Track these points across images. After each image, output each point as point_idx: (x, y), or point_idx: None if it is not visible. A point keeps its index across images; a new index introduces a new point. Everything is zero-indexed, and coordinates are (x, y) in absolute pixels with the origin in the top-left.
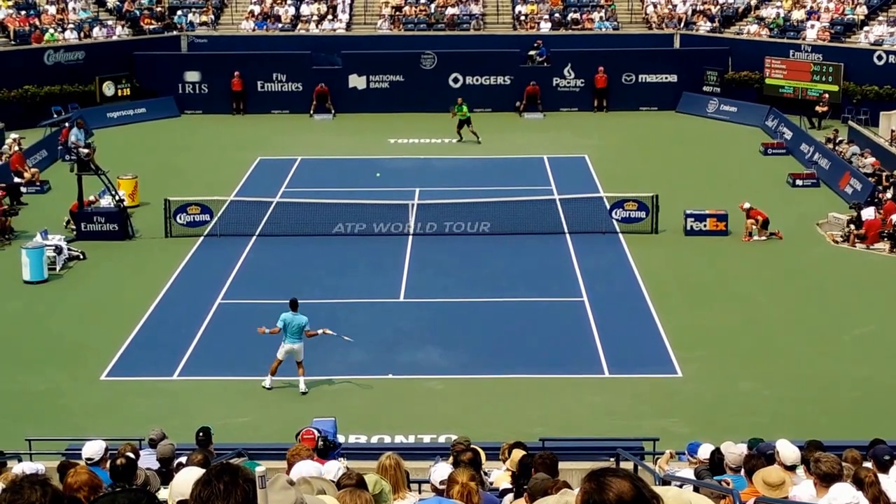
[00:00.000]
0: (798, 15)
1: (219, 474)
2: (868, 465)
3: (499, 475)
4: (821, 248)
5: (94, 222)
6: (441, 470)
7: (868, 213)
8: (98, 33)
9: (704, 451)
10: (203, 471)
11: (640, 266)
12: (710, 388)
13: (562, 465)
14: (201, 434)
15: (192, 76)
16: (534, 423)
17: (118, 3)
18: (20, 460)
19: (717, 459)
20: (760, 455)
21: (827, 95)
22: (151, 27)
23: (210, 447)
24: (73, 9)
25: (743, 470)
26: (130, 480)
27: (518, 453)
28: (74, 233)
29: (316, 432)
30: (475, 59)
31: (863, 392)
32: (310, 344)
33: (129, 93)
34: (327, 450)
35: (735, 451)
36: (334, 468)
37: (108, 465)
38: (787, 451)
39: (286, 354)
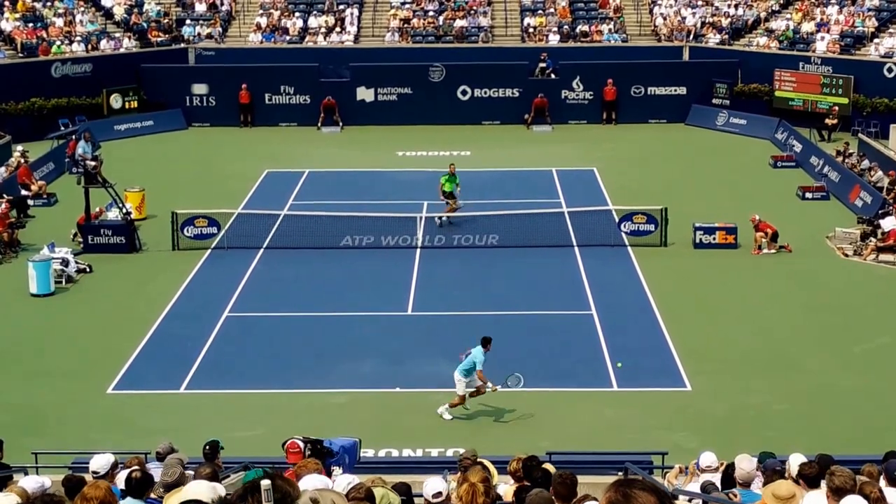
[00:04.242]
0: (808, 27)
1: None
2: (882, 482)
3: (507, 489)
4: (830, 261)
5: (101, 235)
6: (433, 483)
7: (890, 223)
8: (105, 46)
9: (705, 459)
10: (209, 483)
11: (648, 279)
12: (720, 402)
13: None
14: (207, 448)
15: (200, 89)
16: (542, 437)
17: (125, 15)
18: (26, 473)
19: (729, 473)
20: (767, 470)
21: (837, 108)
22: (159, 40)
23: (217, 460)
24: (81, 21)
25: (761, 484)
26: (143, 495)
27: (549, 468)
28: (81, 246)
29: (300, 443)
30: (483, 72)
31: (874, 405)
32: (313, 354)
33: (136, 105)
34: (321, 455)
35: (744, 466)
36: (344, 482)
37: (115, 478)
38: (797, 464)
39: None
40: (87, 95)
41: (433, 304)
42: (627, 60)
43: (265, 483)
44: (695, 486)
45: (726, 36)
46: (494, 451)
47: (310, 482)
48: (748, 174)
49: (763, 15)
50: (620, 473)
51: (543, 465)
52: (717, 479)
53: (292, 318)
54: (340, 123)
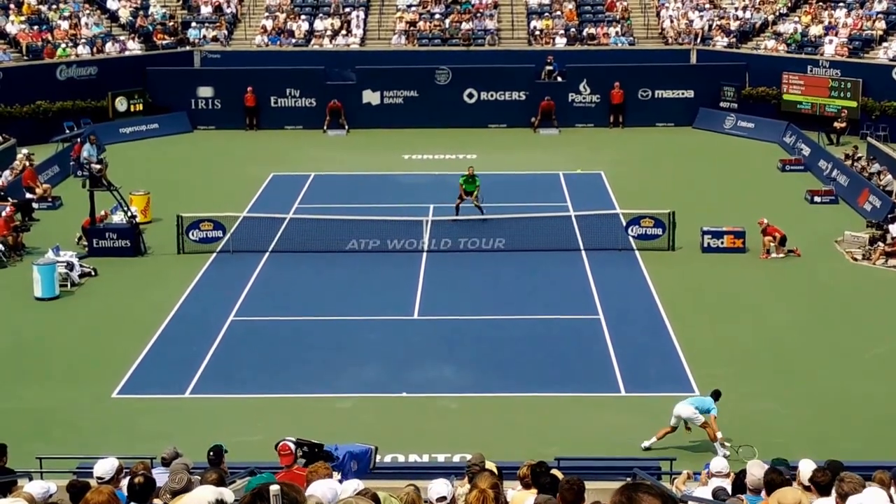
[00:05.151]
0: (816, 30)
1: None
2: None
3: (514, 495)
4: (839, 265)
5: (106, 238)
6: (437, 487)
7: None
8: (111, 48)
9: (716, 465)
10: (216, 488)
11: (656, 283)
12: (728, 407)
13: None
14: (212, 453)
15: (205, 91)
16: (549, 443)
17: (131, 18)
18: (31, 478)
19: (741, 479)
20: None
21: (845, 111)
22: (164, 42)
23: (222, 466)
24: (86, 24)
25: (763, 482)
26: (146, 499)
27: (557, 475)
28: (86, 249)
29: (292, 445)
30: (490, 75)
31: (883, 411)
32: (318, 359)
33: (141, 108)
34: (319, 459)
35: (755, 472)
36: (350, 487)
37: (120, 483)
38: (808, 470)
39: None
40: (92, 98)
41: (439, 308)
42: (634, 63)
43: (274, 489)
44: (705, 492)
45: (734, 39)
46: (502, 457)
47: (318, 488)
48: (756, 178)
49: (771, 18)
50: (629, 479)
51: (551, 471)
52: (727, 485)
53: (298, 322)
54: (346, 126)
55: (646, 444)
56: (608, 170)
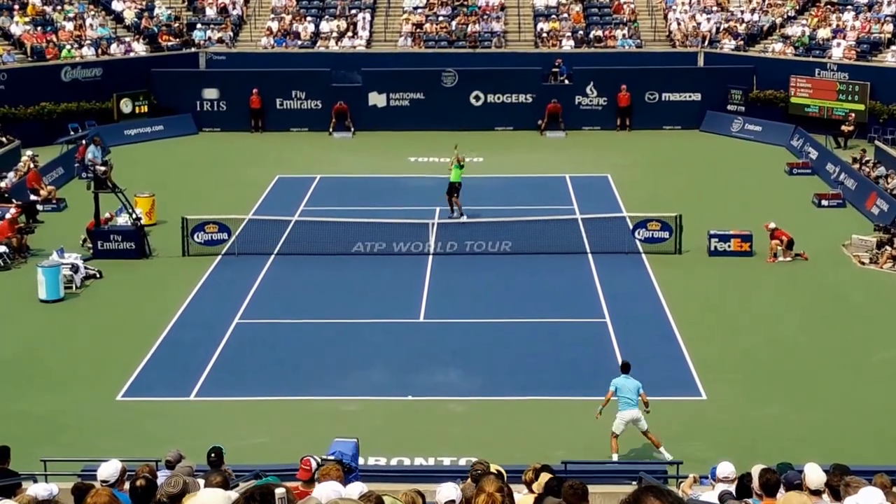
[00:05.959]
0: (824, 33)
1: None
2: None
3: (520, 498)
4: (847, 269)
5: (110, 241)
6: (446, 490)
7: None
8: (116, 50)
9: (723, 469)
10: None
11: (663, 287)
12: (735, 412)
13: None
14: (213, 455)
15: (211, 93)
16: (556, 446)
17: (136, 19)
18: (35, 481)
19: (745, 483)
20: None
21: (853, 115)
22: (169, 44)
23: (224, 467)
24: (91, 25)
25: (757, 483)
26: (149, 502)
27: (546, 476)
28: (91, 251)
29: (314, 463)
30: (497, 77)
31: (890, 415)
32: (324, 361)
33: (146, 110)
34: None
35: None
36: (356, 490)
37: (124, 486)
38: (814, 475)
39: (625, 425)
40: (97, 100)
41: (445, 311)
42: (642, 66)
43: (280, 491)
44: (711, 496)
45: (741, 42)
46: (508, 461)
47: (323, 490)
48: (763, 181)
49: (779, 21)
50: (634, 483)
51: (550, 474)
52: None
53: (303, 325)
54: (352, 129)
55: (665, 454)
56: (615, 173)
